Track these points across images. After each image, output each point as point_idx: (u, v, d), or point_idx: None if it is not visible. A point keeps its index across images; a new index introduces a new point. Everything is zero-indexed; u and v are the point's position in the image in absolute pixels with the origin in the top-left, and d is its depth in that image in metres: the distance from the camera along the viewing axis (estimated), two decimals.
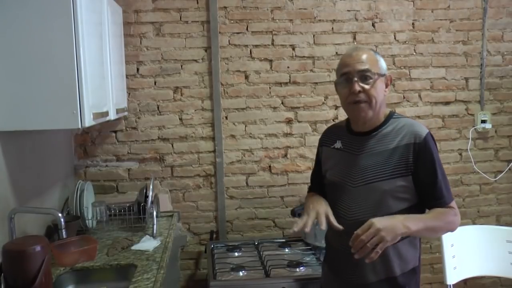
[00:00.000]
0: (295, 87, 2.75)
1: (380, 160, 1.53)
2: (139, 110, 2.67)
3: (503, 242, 2.35)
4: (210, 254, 2.45)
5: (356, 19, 2.76)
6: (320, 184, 1.75)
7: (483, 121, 2.88)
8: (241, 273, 2.16)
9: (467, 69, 2.87)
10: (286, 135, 2.78)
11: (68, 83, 1.54)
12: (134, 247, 2.07)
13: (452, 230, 1.58)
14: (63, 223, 1.67)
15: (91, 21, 1.71)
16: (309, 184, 1.89)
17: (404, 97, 2.85)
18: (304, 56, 2.74)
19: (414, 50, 2.82)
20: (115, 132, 2.68)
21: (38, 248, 1.47)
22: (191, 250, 2.79)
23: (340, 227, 1.48)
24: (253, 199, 2.79)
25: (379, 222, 1.38)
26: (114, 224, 2.40)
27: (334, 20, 2.75)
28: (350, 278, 1.60)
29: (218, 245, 2.59)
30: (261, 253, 2.41)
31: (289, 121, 2.77)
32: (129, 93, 2.65)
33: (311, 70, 2.76)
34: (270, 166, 2.78)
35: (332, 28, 2.75)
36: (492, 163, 2.94)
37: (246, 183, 2.78)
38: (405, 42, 2.81)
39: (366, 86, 1.51)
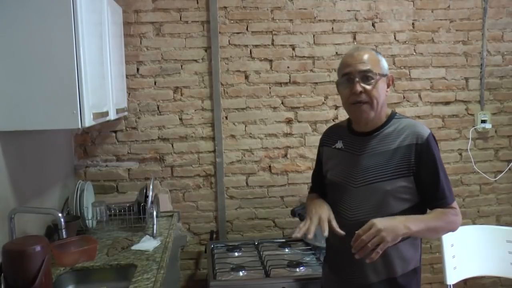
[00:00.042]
0: (295, 87, 2.75)
1: (382, 160, 1.53)
2: (139, 110, 2.67)
3: (503, 242, 2.35)
4: (210, 254, 2.45)
5: (356, 19, 2.76)
6: (321, 184, 1.75)
7: (483, 121, 2.88)
8: (241, 273, 2.16)
9: (467, 69, 2.87)
10: (286, 135, 2.78)
11: (68, 83, 1.54)
12: (134, 247, 2.07)
13: (453, 230, 1.58)
14: (63, 223, 1.67)
15: (91, 21, 1.71)
16: (310, 184, 1.89)
17: (404, 97, 2.85)
18: (304, 56, 2.74)
19: (414, 50, 2.82)
20: (115, 132, 2.68)
21: (38, 248, 1.47)
22: (191, 250, 2.79)
23: (342, 232, 1.47)
24: (253, 199, 2.79)
25: (380, 222, 1.38)
26: (114, 224, 2.40)
27: (334, 20, 2.75)
28: (351, 279, 1.59)
29: (218, 245, 2.59)
30: (261, 253, 2.41)
31: (289, 121, 2.77)
32: (129, 93, 2.65)
33: (311, 70, 2.76)
34: (270, 166, 2.78)
35: (332, 28, 2.75)
36: (492, 163, 2.94)
37: (246, 183, 2.78)
38: (405, 42, 2.81)
39: (368, 87, 1.51)
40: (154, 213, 2.28)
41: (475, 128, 2.90)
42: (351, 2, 2.74)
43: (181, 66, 2.68)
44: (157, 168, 2.71)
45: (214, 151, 2.72)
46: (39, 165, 2.05)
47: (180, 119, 2.70)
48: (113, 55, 2.14)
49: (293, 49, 2.74)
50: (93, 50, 1.74)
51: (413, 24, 2.80)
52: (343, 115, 2.73)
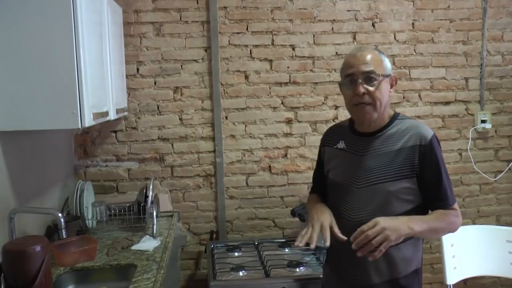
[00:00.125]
0: (295, 87, 2.75)
1: (385, 161, 1.53)
2: (139, 110, 2.67)
3: (503, 242, 2.35)
4: (210, 254, 2.45)
5: (356, 19, 2.76)
6: (322, 185, 1.74)
7: (483, 121, 2.88)
8: (241, 273, 2.16)
9: (467, 69, 2.87)
10: (286, 135, 2.77)
11: (68, 83, 1.54)
12: (134, 247, 2.07)
13: (453, 231, 1.59)
14: (63, 223, 1.67)
15: (91, 21, 1.71)
16: (311, 184, 1.88)
17: (404, 97, 2.85)
18: (304, 56, 2.74)
19: (414, 50, 2.82)
20: (115, 132, 2.68)
21: (38, 248, 1.47)
22: (191, 250, 2.79)
23: (344, 238, 1.46)
24: (253, 199, 2.79)
25: (384, 221, 1.38)
26: (114, 224, 2.40)
27: (334, 20, 2.75)
28: (352, 279, 1.59)
29: (218, 245, 2.59)
30: (261, 253, 2.41)
31: (289, 121, 2.77)
32: (129, 93, 2.65)
33: (311, 70, 2.76)
34: (270, 166, 2.78)
35: (332, 28, 2.75)
36: (492, 163, 2.94)
37: (246, 183, 2.78)
38: (405, 42, 2.81)
39: (371, 88, 1.50)
40: (154, 213, 2.28)
41: (475, 128, 2.90)
42: (351, 2, 2.74)
43: (181, 66, 2.68)
44: (157, 168, 2.71)
45: (214, 151, 2.72)
46: (39, 165, 2.05)
47: (180, 119, 2.70)
48: (113, 55, 2.14)
49: (293, 49, 2.74)
50: (93, 50, 1.74)
51: (413, 24, 2.80)
52: (343, 115, 2.73)
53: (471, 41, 2.85)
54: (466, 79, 2.88)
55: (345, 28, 2.76)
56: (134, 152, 2.69)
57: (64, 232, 1.68)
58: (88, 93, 1.59)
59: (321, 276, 1.88)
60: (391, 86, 1.58)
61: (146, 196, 2.34)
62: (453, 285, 2.26)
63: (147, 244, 2.10)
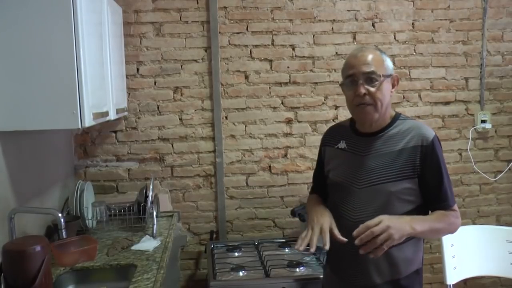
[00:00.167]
0: (295, 87, 2.75)
1: (386, 161, 1.53)
2: (139, 110, 2.67)
3: (503, 242, 2.35)
4: (210, 254, 2.45)
5: (356, 19, 2.76)
6: (322, 185, 1.74)
7: (483, 121, 2.88)
8: (241, 273, 2.16)
9: (467, 69, 2.87)
10: (286, 135, 2.77)
11: (68, 83, 1.54)
12: (134, 247, 2.07)
13: (452, 232, 1.59)
14: (63, 223, 1.67)
15: (91, 22, 1.71)
16: (311, 184, 1.88)
17: (404, 97, 2.85)
18: (304, 56, 2.74)
19: (414, 50, 2.82)
20: (115, 132, 2.68)
21: (38, 248, 1.47)
22: (191, 250, 2.79)
23: (344, 239, 1.46)
24: (253, 199, 2.79)
25: (388, 219, 1.38)
26: (114, 224, 2.39)
27: (334, 20, 2.75)
28: (353, 280, 1.58)
29: (218, 245, 2.59)
30: (261, 253, 2.41)
31: (289, 121, 2.77)
32: (129, 93, 2.65)
33: (311, 70, 2.76)
34: (270, 166, 2.78)
35: (332, 28, 2.75)
36: (492, 163, 2.94)
37: (246, 183, 2.78)
38: (405, 42, 2.81)
39: (372, 89, 1.49)
40: (154, 213, 2.28)
41: (475, 128, 2.90)
42: (351, 2, 2.74)
43: (181, 66, 2.68)
44: (157, 168, 2.71)
45: (214, 151, 2.72)
46: (39, 165, 2.05)
47: (180, 119, 2.70)
48: (113, 55, 2.14)
49: (293, 49, 2.74)
50: (93, 50, 1.74)
51: (413, 24, 2.80)
52: (343, 115, 2.73)
53: (471, 41, 2.85)
54: (466, 79, 2.88)
55: (345, 28, 2.76)
56: (134, 152, 2.69)
57: (64, 232, 1.68)
58: (88, 93, 1.59)
59: (321, 276, 1.88)
60: (393, 86, 1.57)
61: (146, 196, 2.34)
62: (453, 285, 2.26)
63: (147, 244, 2.10)
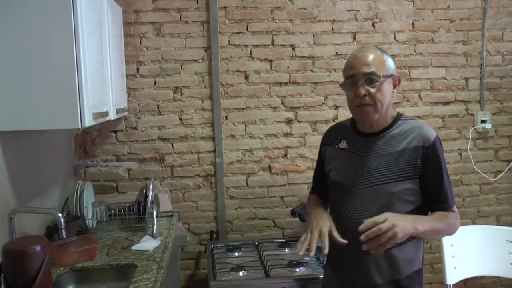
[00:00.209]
0: (295, 87, 2.75)
1: (388, 162, 1.52)
2: (139, 110, 2.67)
3: (503, 242, 2.35)
4: (210, 254, 2.45)
5: (356, 19, 2.76)
6: (322, 185, 1.74)
7: (483, 121, 2.88)
8: (241, 273, 2.16)
9: (467, 69, 2.87)
10: (286, 135, 2.77)
11: (68, 83, 1.54)
12: (134, 247, 2.07)
13: (452, 233, 1.59)
14: (63, 223, 1.67)
15: (91, 22, 1.71)
16: (311, 184, 1.88)
17: (404, 97, 2.85)
18: (304, 56, 2.74)
19: (414, 50, 2.82)
20: (115, 132, 2.68)
21: (38, 248, 1.47)
22: (191, 250, 2.79)
23: (344, 241, 1.45)
24: (253, 199, 2.79)
25: (393, 218, 1.37)
26: (114, 224, 2.39)
27: (334, 20, 2.75)
28: (354, 280, 1.58)
29: (218, 245, 2.59)
30: (261, 253, 2.41)
31: (289, 121, 2.77)
32: (129, 93, 2.65)
33: (311, 70, 2.76)
34: (270, 166, 2.78)
35: (332, 28, 2.75)
36: (492, 163, 2.94)
37: (246, 183, 2.78)
38: (405, 42, 2.81)
39: (372, 90, 1.49)
40: (154, 213, 2.28)
41: (475, 128, 2.90)
42: (351, 2, 2.74)
43: (181, 66, 2.68)
44: (157, 168, 2.71)
45: (214, 151, 2.73)
46: (39, 165, 2.05)
47: (180, 119, 2.70)
48: (113, 55, 2.14)
49: (293, 49, 2.74)
50: (93, 50, 1.74)
51: (413, 24, 2.80)
52: (343, 115, 2.73)
53: (471, 41, 2.85)
54: (466, 79, 2.88)
55: (345, 28, 2.75)
56: (134, 152, 2.69)
57: (64, 232, 1.68)
58: (88, 93, 1.59)
59: (321, 276, 1.88)
60: (394, 86, 1.57)
61: (146, 196, 2.34)
62: (453, 285, 2.26)
63: (147, 244, 2.10)
